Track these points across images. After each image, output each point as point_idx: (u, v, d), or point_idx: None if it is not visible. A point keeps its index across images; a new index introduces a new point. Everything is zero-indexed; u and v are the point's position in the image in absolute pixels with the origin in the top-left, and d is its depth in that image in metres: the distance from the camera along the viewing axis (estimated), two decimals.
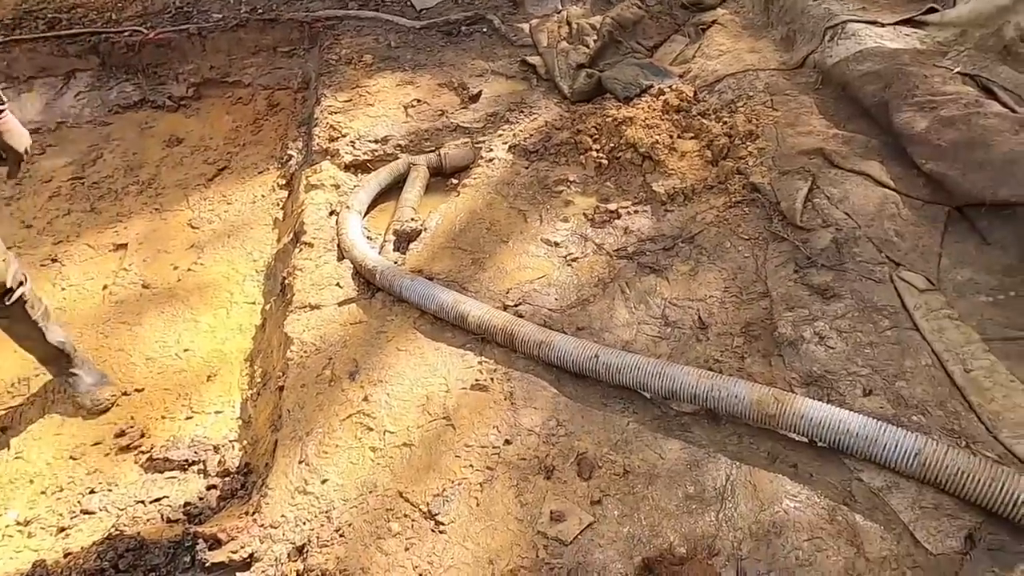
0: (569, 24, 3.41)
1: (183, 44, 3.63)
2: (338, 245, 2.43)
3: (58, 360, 2.18)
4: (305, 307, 2.20)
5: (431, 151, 2.86)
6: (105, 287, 2.69)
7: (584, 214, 2.40)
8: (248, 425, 2.15)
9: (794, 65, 2.73)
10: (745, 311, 1.95)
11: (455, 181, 2.78)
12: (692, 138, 2.55)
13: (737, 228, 2.19)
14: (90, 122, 3.55)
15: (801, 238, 2.05)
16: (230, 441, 2.11)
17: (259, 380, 2.25)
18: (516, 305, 2.09)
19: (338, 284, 2.28)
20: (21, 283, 2.00)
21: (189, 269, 2.74)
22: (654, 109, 2.65)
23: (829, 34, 2.65)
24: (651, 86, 2.81)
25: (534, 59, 3.27)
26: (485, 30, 3.61)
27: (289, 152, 3.17)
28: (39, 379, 2.34)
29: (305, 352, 2.05)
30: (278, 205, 2.99)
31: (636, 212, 2.37)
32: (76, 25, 3.63)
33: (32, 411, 2.24)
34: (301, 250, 2.44)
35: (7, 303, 1.96)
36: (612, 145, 2.57)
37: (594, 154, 2.57)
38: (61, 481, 2.02)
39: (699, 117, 2.60)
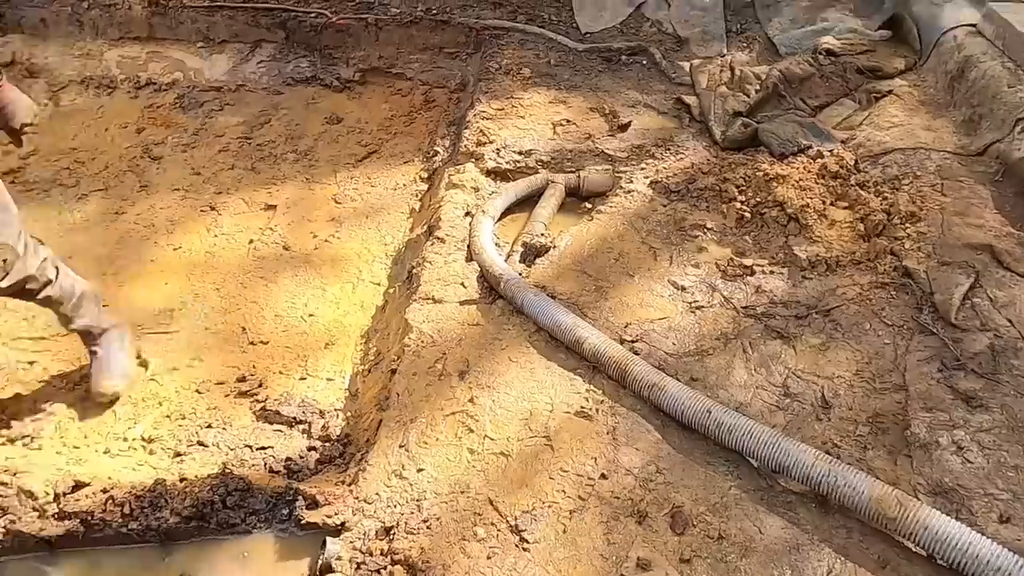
0: (732, 70, 3.36)
1: (360, 32, 3.88)
2: (468, 246, 2.50)
3: (82, 337, 2.20)
4: (428, 299, 2.29)
5: (571, 172, 2.90)
6: (251, 242, 2.90)
7: (716, 264, 2.35)
8: (354, 398, 2.25)
9: (974, 151, 2.56)
10: (875, 400, 1.84)
11: (589, 205, 2.80)
12: (846, 208, 2.44)
13: (880, 311, 2.07)
14: (265, 89, 3.85)
15: (953, 337, 1.91)
16: (336, 409, 2.22)
17: (371, 358, 2.35)
18: (632, 341, 2.07)
19: (462, 284, 2.35)
20: (49, 282, 2.01)
21: (326, 240, 2.91)
22: (809, 171, 2.56)
23: (1021, 125, 2.46)
24: (810, 147, 2.71)
25: (690, 99, 3.24)
26: (645, 62, 3.61)
27: (436, 148, 3.31)
28: (182, 311, 2.57)
29: (422, 342, 2.13)
30: (416, 196, 3.12)
31: (772, 273, 2.29)
32: (272, 1, 3.95)
33: (172, 341, 2.45)
34: (433, 244, 2.54)
35: (35, 297, 1.99)
36: (758, 200, 2.51)
37: (738, 205, 2.52)
38: (184, 410, 2.20)
39: (857, 188, 2.48)
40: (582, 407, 1.87)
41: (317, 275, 2.74)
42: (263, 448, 2.06)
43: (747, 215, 2.48)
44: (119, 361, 2.21)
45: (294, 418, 2.16)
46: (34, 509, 1.61)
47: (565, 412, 1.85)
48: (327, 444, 2.06)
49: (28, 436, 2.04)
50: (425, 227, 2.75)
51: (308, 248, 2.87)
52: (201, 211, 3.07)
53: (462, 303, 2.28)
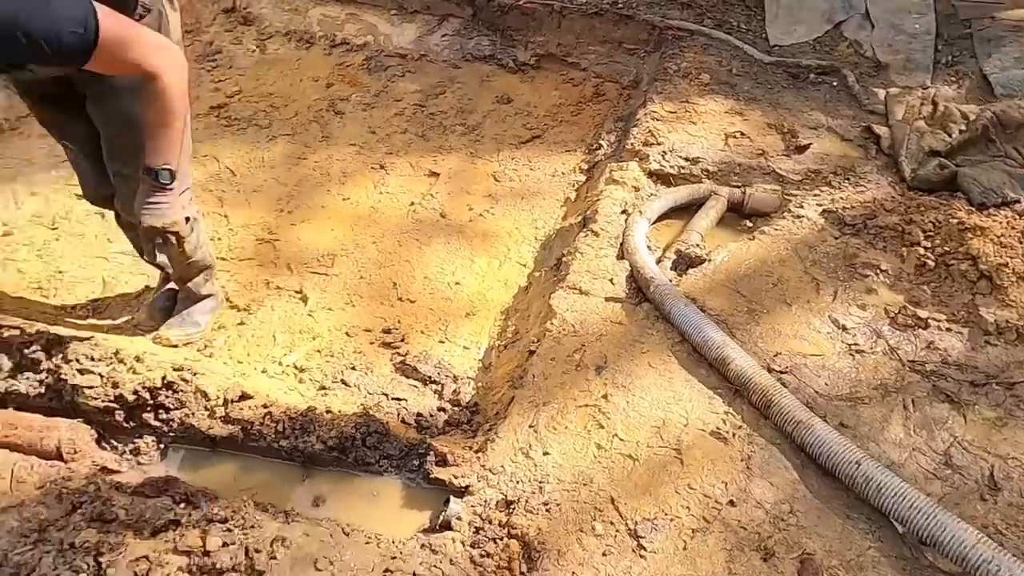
0: (935, 104, 3.08)
1: (543, 17, 3.93)
2: (621, 244, 2.48)
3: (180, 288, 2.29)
4: (575, 289, 2.30)
5: (737, 186, 2.79)
6: (412, 204, 3.05)
7: (886, 309, 2.18)
8: (486, 371, 2.32)
9: None
10: None
11: (750, 224, 2.70)
12: None
13: None
14: (445, 62, 4.00)
15: None
16: (468, 377, 2.29)
17: (509, 336, 2.41)
18: (781, 372, 1.98)
19: (611, 280, 2.35)
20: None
21: (481, 214, 3.00)
22: (1014, 227, 2.31)
23: None
24: (1018, 200, 2.44)
25: (880, 129, 3.01)
26: (835, 83, 3.40)
27: (600, 142, 3.30)
28: (342, 257, 2.75)
29: (563, 330, 2.15)
30: (573, 186, 3.14)
31: (949, 330, 2.10)
32: None
33: (330, 283, 2.63)
34: (586, 236, 2.54)
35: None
36: (947, 249, 2.30)
37: (921, 251, 2.32)
38: (334, 349, 2.36)
39: None
40: (718, 428, 1.81)
41: (468, 246, 2.84)
42: (398, 399, 2.17)
43: (930, 263, 2.28)
44: (196, 322, 2.30)
45: (429, 377, 2.25)
46: (206, 408, 1.80)
47: (700, 429, 1.81)
48: (456, 408, 2.14)
49: (204, 344, 2.28)
50: (579, 218, 2.76)
51: (463, 219, 2.97)
52: (371, 168, 3.26)
53: (607, 299, 2.27)
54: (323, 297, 2.58)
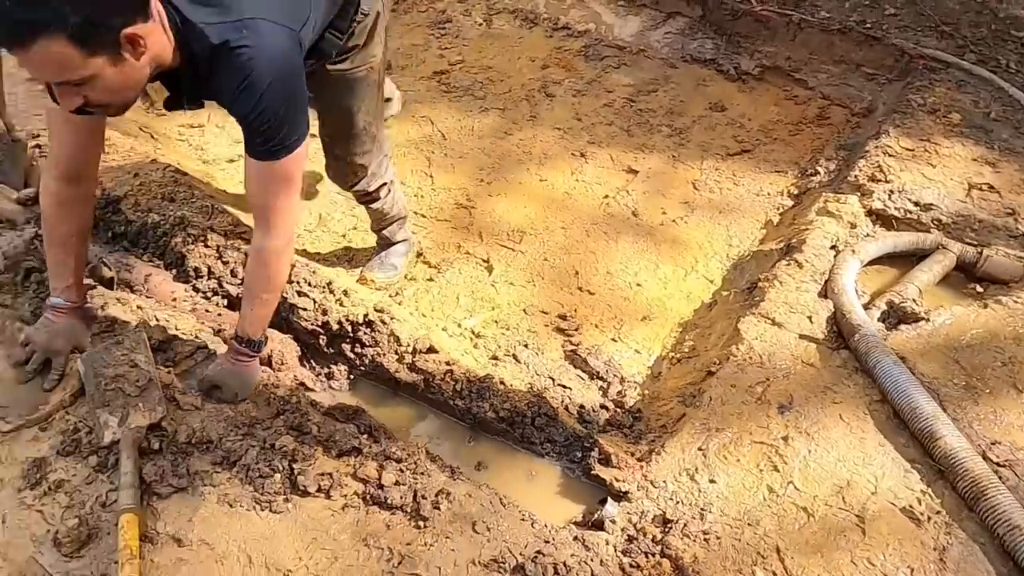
0: None
1: (778, 27, 3.72)
2: (827, 282, 2.30)
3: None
4: (767, 319, 2.17)
5: (973, 244, 2.48)
6: (606, 197, 3.04)
7: None
8: (655, 380, 2.26)
9: None
10: None
11: (980, 289, 2.39)
12: None
13: None
14: (662, 59, 3.92)
15: None
16: (635, 381, 2.26)
17: (684, 350, 2.33)
18: (998, 464, 1.74)
19: (809, 317, 2.19)
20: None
21: (673, 220, 2.92)
22: None
23: None
24: None
25: None
26: None
27: (817, 168, 3.07)
28: (530, 236, 2.80)
29: (749, 358, 2.04)
30: (778, 209, 2.96)
31: None
32: None
33: (515, 259, 2.69)
34: (788, 265, 2.39)
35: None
36: None
37: None
38: (510, 322, 2.43)
39: None
40: (911, 507, 1.63)
41: (655, 250, 2.78)
42: (564, 386, 2.18)
43: None
44: (393, 264, 2.50)
45: (597, 372, 2.24)
46: (396, 352, 1.92)
47: (889, 502, 1.64)
48: (619, 409, 2.11)
49: (397, 291, 2.44)
50: (781, 244, 2.59)
51: (654, 221, 2.91)
52: (572, 154, 3.28)
53: (802, 336, 2.12)
54: (507, 271, 2.65)
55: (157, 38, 1.25)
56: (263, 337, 1.66)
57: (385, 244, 2.53)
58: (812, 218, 2.63)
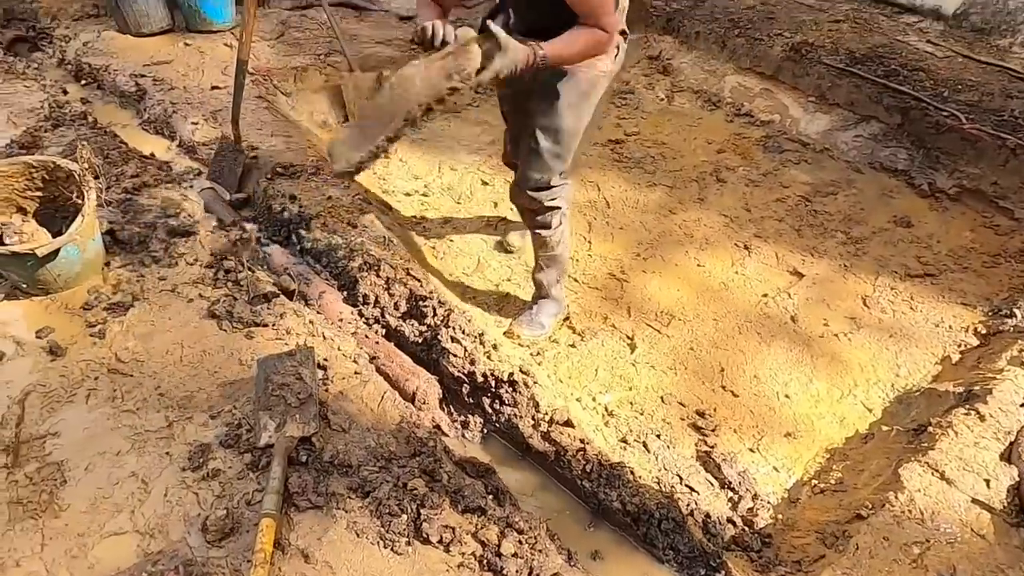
0: None
1: (988, 149, 3.43)
2: (1014, 444, 2.04)
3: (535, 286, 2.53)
4: (936, 471, 1.96)
5: None
6: (764, 296, 2.91)
7: None
8: (792, 504, 2.10)
9: None
10: None
11: None
12: None
13: None
14: (847, 162, 3.75)
15: None
16: (769, 502, 2.11)
17: (830, 481, 2.15)
18: None
19: (986, 481, 1.94)
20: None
21: (835, 335, 2.74)
22: None
23: None
24: None
25: None
26: None
27: (1013, 310, 2.76)
28: (679, 321, 2.74)
29: (908, 511, 1.84)
30: (959, 347, 2.68)
31: None
32: (907, 84, 3.77)
33: (660, 342, 2.64)
34: (968, 414, 2.15)
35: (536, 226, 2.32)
36: None
37: None
38: (645, 407, 2.36)
39: None
40: None
41: (810, 363, 2.61)
42: (691, 488, 2.08)
43: None
44: (541, 323, 2.52)
45: (729, 482, 2.12)
46: (533, 418, 1.93)
47: None
48: (747, 528, 1.98)
49: (539, 351, 2.46)
50: (960, 388, 2.34)
51: (814, 332, 2.75)
52: (735, 244, 3.19)
53: (974, 501, 1.89)
54: (650, 352, 2.60)
55: None
56: (547, 60, 1.82)
57: (539, 296, 2.59)
58: (1002, 366, 2.36)
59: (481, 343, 2.09)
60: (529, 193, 2.25)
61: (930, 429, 2.14)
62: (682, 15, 4.72)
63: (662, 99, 4.30)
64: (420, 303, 2.21)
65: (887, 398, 2.49)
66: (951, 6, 4.26)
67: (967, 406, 2.20)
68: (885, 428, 2.31)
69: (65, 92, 3.65)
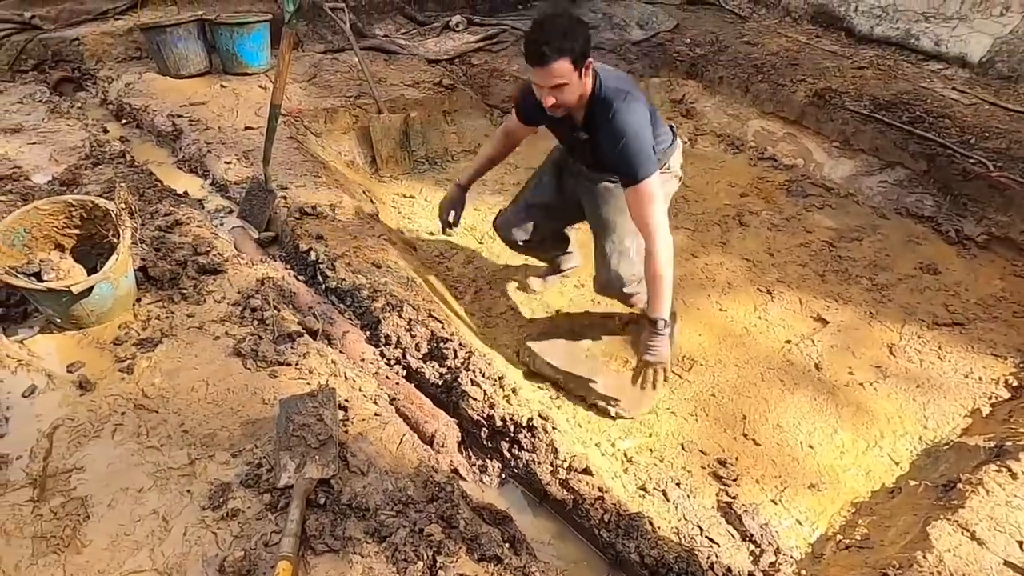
0: None
1: (1017, 197, 3.40)
2: None
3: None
4: (966, 530, 1.90)
5: None
6: (788, 342, 2.88)
7: None
8: (816, 561, 2.05)
9: None
10: None
11: None
12: None
13: None
14: (872, 208, 3.74)
15: None
16: (792, 556, 2.06)
17: (855, 536, 2.09)
18: None
19: (1020, 543, 1.88)
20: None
21: (861, 384, 2.69)
22: None
23: None
24: None
25: None
26: None
27: None
28: (700, 366, 2.71)
29: (936, 572, 1.78)
30: (989, 399, 2.62)
31: None
32: (933, 131, 3.76)
33: (681, 387, 2.61)
34: (1000, 472, 2.09)
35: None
36: None
37: None
38: (665, 454, 2.34)
39: None
40: None
41: (835, 412, 2.57)
42: (712, 540, 2.04)
43: None
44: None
45: (751, 534, 2.08)
46: (551, 465, 1.92)
47: None
48: None
49: (553, 395, 2.46)
50: (991, 444, 2.28)
51: (839, 380, 2.71)
52: (757, 289, 3.18)
53: (1007, 564, 1.82)
54: (670, 398, 2.58)
55: (590, 73, 2.04)
56: (670, 315, 2.16)
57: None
58: None
59: (501, 386, 2.10)
60: (624, 291, 2.43)
61: (960, 485, 2.08)
62: (705, 60, 4.79)
63: (685, 142, 4.34)
64: (441, 344, 2.22)
65: (915, 451, 2.44)
66: (977, 54, 4.28)
67: (998, 462, 2.14)
68: (913, 483, 2.26)
69: (105, 131, 3.79)
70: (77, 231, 2.36)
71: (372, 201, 3.52)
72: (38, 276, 2.19)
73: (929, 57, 4.52)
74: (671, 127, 2.42)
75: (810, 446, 2.44)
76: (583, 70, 1.97)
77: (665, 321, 2.12)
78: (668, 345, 2.17)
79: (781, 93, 4.31)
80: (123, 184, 2.31)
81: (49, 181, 3.04)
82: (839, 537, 2.12)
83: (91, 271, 2.29)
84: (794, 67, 4.56)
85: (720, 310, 3.05)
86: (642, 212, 2.06)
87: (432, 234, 3.45)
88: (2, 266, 2.11)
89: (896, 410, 2.59)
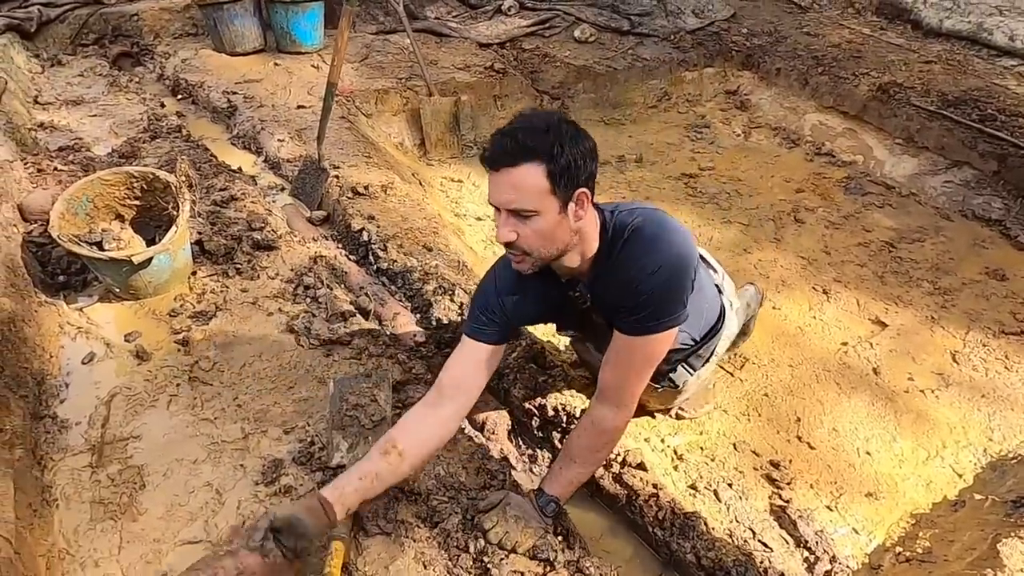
0: None
1: None
2: None
3: None
4: None
5: None
6: (844, 344, 2.78)
7: None
8: (873, 572, 1.97)
9: None
10: None
11: None
12: None
13: None
14: (936, 208, 3.59)
15: None
16: (848, 566, 1.98)
17: (915, 549, 2.01)
18: None
19: None
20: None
21: (922, 391, 2.59)
22: None
23: None
24: None
25: None
26: None
27: None
28: (754, 365, 2.64)
29: None
30: None
31: None
32: (1005, 130, 3.59)
33: (733, 386, 2.55)
34: None
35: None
36: None
37: None
38: (717, 453, 2.27)
39: None
40: None
41: (894, 419, 2.47)
42: (765, 544, 1.98)
43: None
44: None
45: (805, 540, 2.01)
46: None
47: None
48: None
49: None
50: None
51: (899, 386, 2.60)
52: (813, 288, 3.08)
53: None
54: (722, 396, 2.51)
55: (591, 216, 1.43)
56: (562, 505, 1.62)
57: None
58: None
59: (551, 376, 2.06)
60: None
61: None
62: (763, 51, 4.66)
63: (739, 135, 4.23)
64: None
65: (979, 463, 2.33)
66: None
67: None
68: (979, 497, 2.16)
69: (163, 105, 3.85)
70: (137, 202, 2.39)
71: (421, 184, 3.50)
72: (99, 245, 2.22)
73: (1003, 53, 4.31)
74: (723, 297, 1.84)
75: (867, 452, 2.35)
76: (570, 199, 1.35)
77: (557, 504, 1.58)
78: (529, 522, 1.56)
79: (842, 86, 4.17)
80: (184, 157, 2.33)
81: (109, 153, 3.09)
82: (898, 549, 2.04)
83: (149, 242, 2.32)
84: (857, 60, 4.40)
85: (774, 308, 2.96)
86: (629, 371, 1.52)
87: (479, 219, 3.42)
88: (67, 233, 2.14)
89: (959, 420, 2.48)
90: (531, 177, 1.31)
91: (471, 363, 1.56)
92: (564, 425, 1.97)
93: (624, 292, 1.46)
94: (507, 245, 1.41)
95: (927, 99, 3.89)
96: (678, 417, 2.37)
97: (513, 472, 1.89)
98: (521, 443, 2.04)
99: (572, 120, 1.40)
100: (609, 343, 1.57)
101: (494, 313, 1.56)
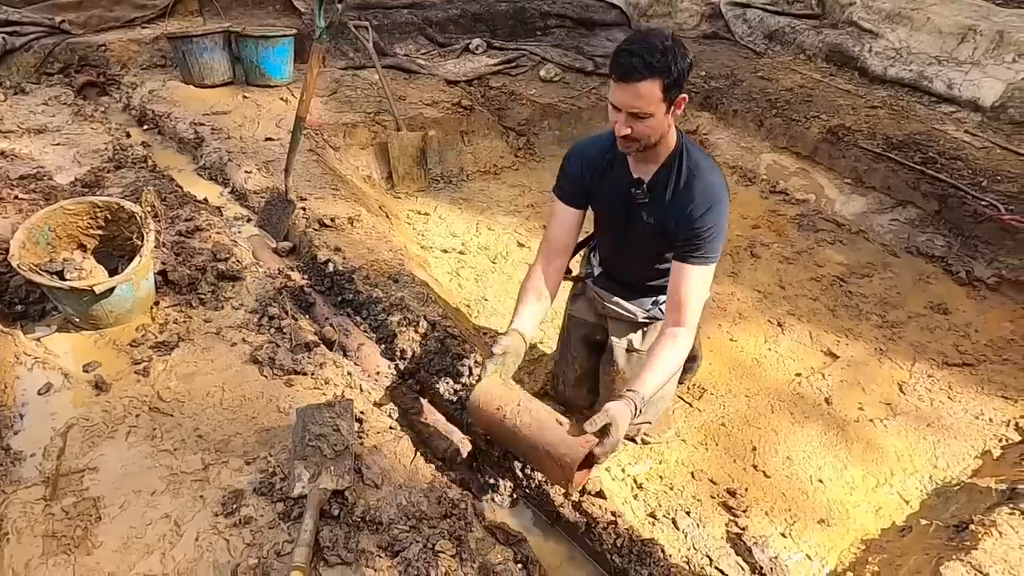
0: None
1: None
2: None
3: None
4: (979, 573, 1.88)
5: None
6: (798, 375, 2.89)
7: None
8: None
9: None
10: None
11: None
12: None
13: None
14: (883, 245, 3.76)
15: None
16: None
17: (866, 574, 2.08)
18: None
19: None
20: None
21: (871, 420, 2.69)
22: None
23: None
24: None
25: None
26: None
27: None
28: (711, 395, 2.71)
29: None
30: (1000, 441, 2.62)
31: None
32: (945, 172, 3.80)
33: (691, 415, 2.61)
34: (1012, 513, 2.08)
35: None
36: None
37: None
38: (675, 482, 2.32)
39: None
40: None
41: (844, 448, 2.56)
42: (721, 571, 2.03)
43: None
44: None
45: (760, 567, 2.06)
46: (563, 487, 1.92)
47: None
48: None
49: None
50: (1003, 486, 2.27)
51: (849, 416, 2.70)
52: (768, 321, 3.19)
53: None
54: (681, 424, 2.57)
55: (676, 116, 1.74)
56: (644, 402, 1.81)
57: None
58: None
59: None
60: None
61: (972, 527, 2.07)
62: (720, 93, 4.86)
63: None
64: (456, 362, 2.23)
65: (925, 490, 2.43)
66: (989, 98, 4.34)
67: (1011, 505, 2.13)
68: (924, 522, 2.24)
69: (128, 135, 3.84)
70: (100, 232, 2.38)
71: (388, 216, 3.54)
72: (60, 275, 2.20)
73: (942, 99, 4.58)
74: None
75: (820, 480, 2.43)
76: (672, 105, 1.66)
77: (642, 400, 1.75)
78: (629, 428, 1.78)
79: (794, 128, 4.37)
80: (149, 188, 2.33)
81: (72, 182, 3.07)
82: (849, 574, 2.10)
83: (111, 272, 2.31)
84: (808, 103, 4.62)
85: (731, 340, 3.06)
86: (690, 292, 1.82)
87: (445, 251, 3.48)
88: (27, 263, 2.13)
89: (906, 448, 2.58)
90: (651, 90, 1.61)
91: (565, 226, 2.01)
92: None
93: (694, 213, 1.78)
94: (624, 142, 1.72)
95: (873, 142, 4.11)
96: (644, 443, 2.42)
97: (475, 502, 1.91)
98: (483, 473, 2.06)
99: (677, 37, 1.67)
100: (640, 246, 1.99)
101: (577, 181, 1.95)
